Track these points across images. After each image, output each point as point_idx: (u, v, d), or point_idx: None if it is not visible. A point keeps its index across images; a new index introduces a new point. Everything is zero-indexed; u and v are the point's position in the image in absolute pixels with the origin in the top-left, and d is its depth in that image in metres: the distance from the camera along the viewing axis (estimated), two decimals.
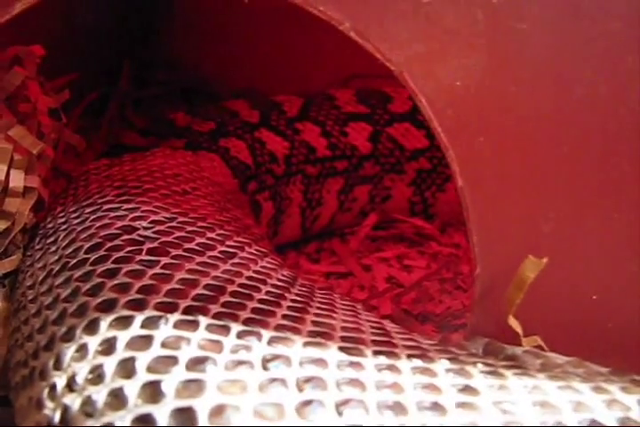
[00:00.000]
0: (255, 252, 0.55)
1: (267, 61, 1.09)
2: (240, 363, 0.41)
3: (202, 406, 0.39)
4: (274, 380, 0.40)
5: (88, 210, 0.59)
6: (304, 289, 0.52)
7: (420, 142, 0.88)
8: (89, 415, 0.41)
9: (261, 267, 0.53)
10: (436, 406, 0.40)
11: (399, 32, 0.50)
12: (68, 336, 0.46)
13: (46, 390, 0.44)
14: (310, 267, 0.84)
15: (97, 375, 0.42)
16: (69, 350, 0.45)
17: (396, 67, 0.51)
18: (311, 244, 0.90)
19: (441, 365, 0.44)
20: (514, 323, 0.51)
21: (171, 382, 0.40)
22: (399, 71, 0.51)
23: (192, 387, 0.40)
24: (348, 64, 0.97)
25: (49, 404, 0.44)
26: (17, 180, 0.62)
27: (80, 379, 0.43)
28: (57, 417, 0.43)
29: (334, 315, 0.48)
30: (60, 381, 0.44)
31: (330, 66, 1.04)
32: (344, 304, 0.52)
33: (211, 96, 1.10)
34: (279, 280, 0.51)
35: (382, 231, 0.90)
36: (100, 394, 0.41)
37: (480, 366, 0.44)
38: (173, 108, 1.01)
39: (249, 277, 0.50)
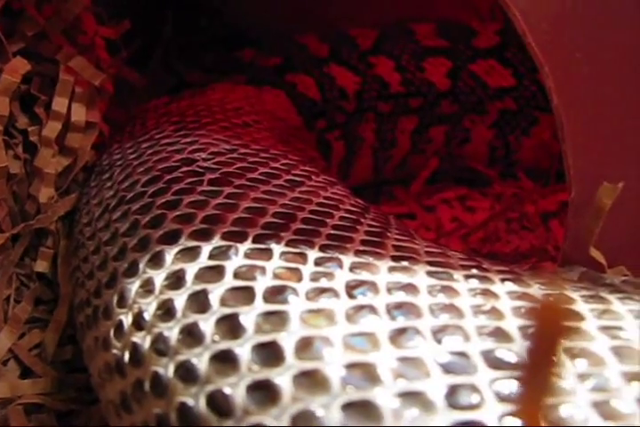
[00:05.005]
0: (323, 180, 0.48)
1: (308, 7, 1.01)
2: (323, 291, 0.34)
3: (287, 340, 0.32)
4: (362, 307, 0.34)
5: (145, 145, 0.52)
6: (378, 215, 0.45)
7: (505, 81, 0.76)
8: (161, 354, 0.35)
9: (332, 193, 0.46)
10: None
11: None
12: (131, 272, 0.40)
13: (112, 330, 0.38)
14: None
15: (166, 311, 0.36)
16: (133, 286, 0.39)
17: None
18: (367, 190, 0.80)
19: (538, 289, 0.37)
20: (595, 253, 0.44)
21: (249, 315, 0.34)
22: None
23: (273, 320, 0.33)
24: (393, 9, 0.89)
25: (116, 343, 0.38)
26: (78, 114, 0.56)
27: (148, 316, 0.37)
28: (126, 356, 0.37)
29: (415, 240, 0.41)
30: (127, 318, 0.38)
31: (376, 12, 0.96)
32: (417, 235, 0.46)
33: (254, 43, 1.03)
34: (352, 206, 0.45)
35: (440, 175, 0.80)
36: (172, 331, 0.35)
37: (579, 290, 0.37)
38: (214, 56, 0.94)
39: (320, 204, 0.43)
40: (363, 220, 0.43)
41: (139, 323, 0.37)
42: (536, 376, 0.27)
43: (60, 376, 0.53)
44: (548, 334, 0.25)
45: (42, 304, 0.56)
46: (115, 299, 0.39)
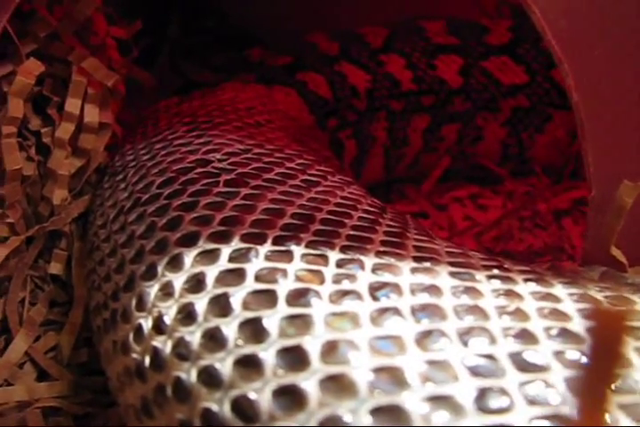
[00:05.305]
0: (339, 180, 0.47)
1: (315, 6, 1.00)
2: (346, 293, 0.34)
3: (312, 344, 0.31)
4: (386, 310, 0.33)
5: (158, 146, 0.51)
6: (396, 215, 0.44)
7: (518, 77, 0.74)
8: (183, 358, 0.34)
9: (349, 193, 0.45)
10: (566, 333, 0.33)
11: None
12: (150, 275, 0.39)
13: (131, 333, 0.38)
14: None
15: (187, 315, 0.35)
16: (152, 289, 0.38)
17: None
18: (378, 189, 0.77)
19: (561, 289, 0.36)
20: (616, 252, 0.44)
21: (273, 318, 0.33)
22: None
23: (297, 323, 0.32)
24: (400, 7, 0.87)
25: (136, 347, 0.37)
26: (91, 115, 0.55)
27: (168, 320, 0.36)
28: (147, 361, 0.36)
29: (434, 240, 0.41)
30: (146, 322, 0.37)
31: (382, 10, 0.94)
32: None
33: (261, 42, 1.02)
34: (370, 206, 0.44)
35: (451, 173, 0.79)
36: (193, 335, 0.34)
37: (603, 291, 0.37)
38: (223, 56, 0.93)
39: (337, 204, 0.43)
40: (381, 220, 0.42)
41: (159, 327, 0.36)
42: (598, 381, 0.26)
43: (76, 379, 0.52)
44: (609, 339, 0.24)
45: (56, 306, 0.55)
46: (133, 302, 0.38)
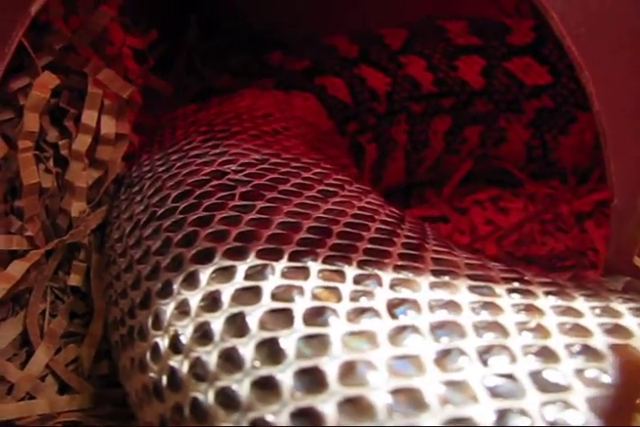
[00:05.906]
0: (357, 189, 0.47)
1: (332, 8, 0.99)
2: (363, 311, 0.33)
3: (329, 365, 0.31)
4: (404, 328, 0.32)
5: (174, 157, 0.51)
6: (415, 225, 0.43)
7: (542, 78, 0.72)
8: (200, 379, 0.34)
9: (366, 203, 0.44)
10: (588, 350, 0.32)
11: None
12: (165, 292, 0.38)
13: (148, 352, 0.37)
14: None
15: (203, 334, 0.35)
16: (168, 308, 0.37)
17: None
18: (397, 193, 0.77)
19: (583, 303, 0.35)
20: (639, 262, 0.43)
21: (289, 338, 0.32)
22: None
23: (314, 343, 0.32)
24: (419, 8, 0.86)
25: (153, 366, 0.37)
26: (108, 126, 0.54)
27: (185, 339, 0.35)
28: (164, 380, 0.36)
29: (453, 251, 0.40)
30: (162, 341, 0.37)
31: (401, 11, 0.93)
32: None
33: (278, 45, 1.02)
34: (388, 216, 0.43)
35: (471, 175, 0.77)
36: (210, 355, 0.34)
37: (627, 302, 0.36)
38: (242, 59, 0.93)
39: (355, 215, 0.42)
40: (399, 231, 0.41)
41: (175, 346, 0.36)
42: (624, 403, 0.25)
43: (97, 391, 0.52)
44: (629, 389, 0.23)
45: (76, 318, 0.55)
46: (149, 320, 0.38)
